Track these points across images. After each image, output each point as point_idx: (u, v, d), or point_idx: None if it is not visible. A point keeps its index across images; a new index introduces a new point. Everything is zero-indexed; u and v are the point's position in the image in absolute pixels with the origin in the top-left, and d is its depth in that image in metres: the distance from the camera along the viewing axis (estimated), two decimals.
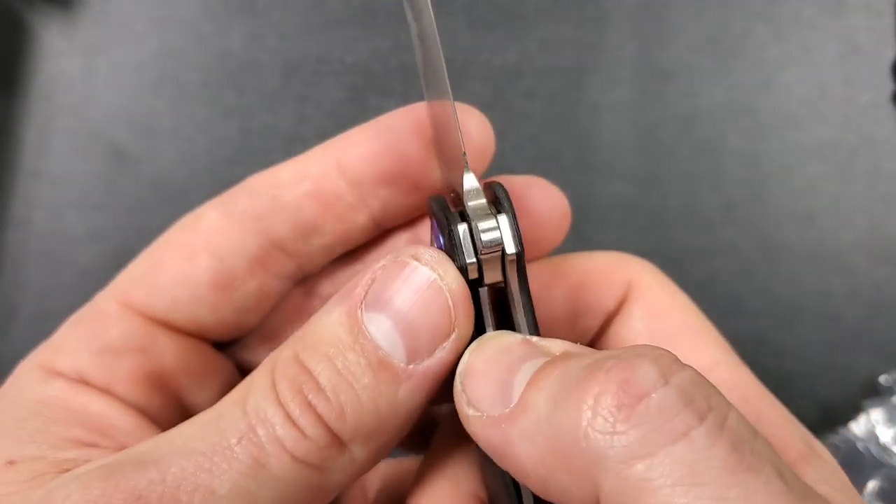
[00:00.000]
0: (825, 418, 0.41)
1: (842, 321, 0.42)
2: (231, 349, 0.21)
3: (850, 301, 0.42)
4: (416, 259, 0.16)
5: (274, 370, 0.16)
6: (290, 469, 0.15)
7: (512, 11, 0.45)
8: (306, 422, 0.15)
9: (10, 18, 0.45)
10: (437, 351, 0.16)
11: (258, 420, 0.15)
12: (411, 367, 0.16)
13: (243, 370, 0.21)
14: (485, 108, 0.44)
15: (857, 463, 0.39)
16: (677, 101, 0.44)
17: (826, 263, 0.43)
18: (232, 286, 0.19)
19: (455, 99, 0.19)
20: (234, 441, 0.15)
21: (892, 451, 0.39)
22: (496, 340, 0.17)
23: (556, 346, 0.16)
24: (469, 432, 0.16)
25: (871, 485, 0.39)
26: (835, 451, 0.39)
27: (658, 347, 0.15)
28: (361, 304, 0.16)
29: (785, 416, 0.20)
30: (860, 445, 0.39)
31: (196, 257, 0.20)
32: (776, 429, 0.19)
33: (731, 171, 0.43)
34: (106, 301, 0.20)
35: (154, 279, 0.20)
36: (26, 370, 0.20)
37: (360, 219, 0.20)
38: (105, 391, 0.19)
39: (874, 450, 0.39)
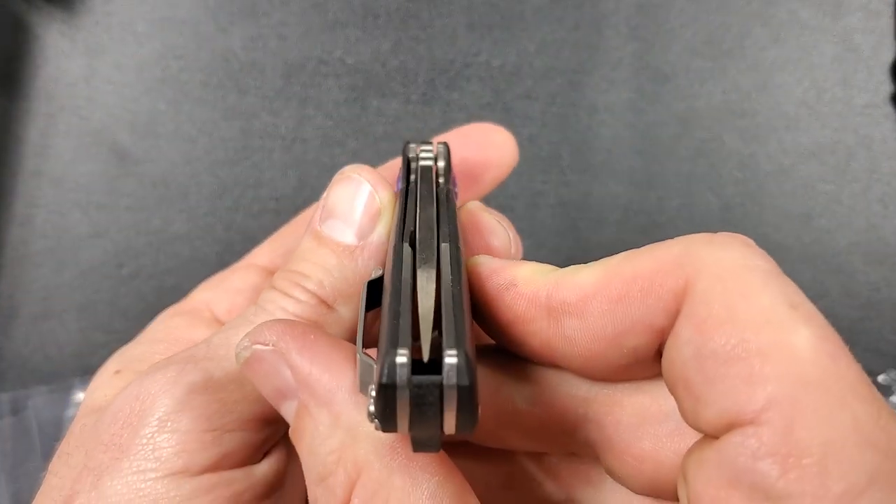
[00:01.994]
0: None
1: (839, 321, 0.42)
2: None
3: (847, 301, 0.42)
4: (345, 173, 0.23)
5: (273, 279, 0.22)
6: None
7: (511, 13, 0.45)
8: (297, 292, 0.21)
9: (12, 19, 0.45)
10: (376, 229, 0.22)
11: (265, 301, 0.21)
12: (361, 243, 0.22)
13: None
14: (484, 108, 0.44)
15: None
16: (675, 102, 0.44)
17: (823, 264, 0.43)
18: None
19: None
20: (252, 316, 0.21)
21: None
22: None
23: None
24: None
25: None
26: None
27: None
28: (318, 221, 0.22)
29: None
30: None
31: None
32: None
33: (728, 171, 0.43)
34: (235, 267, 0.29)
35: (282, 244, 0.30)
36: (168, 309, 0.27)
37: None
38: (221, 321, 0.25)
39: None
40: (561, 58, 0.44)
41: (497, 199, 0.43)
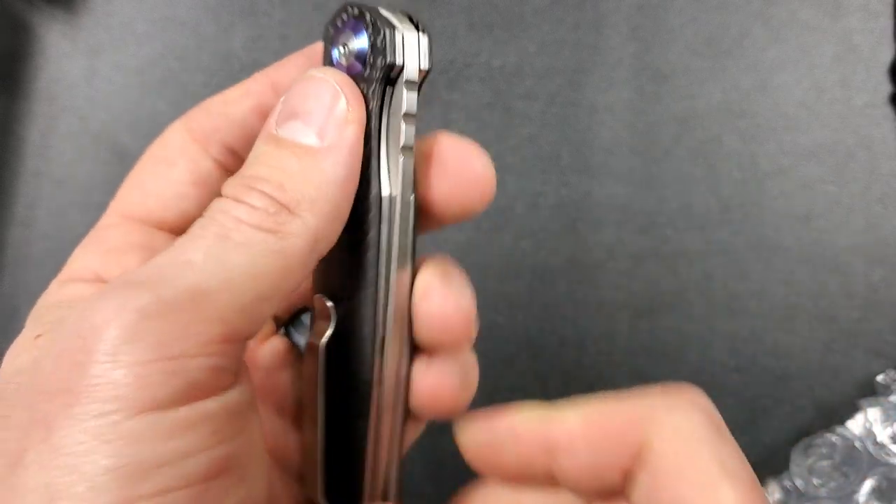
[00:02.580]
0: (822, 417, 0.42)
1: (838, 321, 0.42)
2: None
3: (847, 301, 0.42)
4: (310, 73, 0.21)
5: (223, 189, 0.20)
6: (250, 234, 0.18)
7: (511, 13, 0.45)
8: (252, 198, 0.19)
9: (12, 20, 0.45)
10: (343, 131, 0.20)
11: (215, 212, 0.19)
12: (325, 143, 0.20)
13: None
14: (484, 108, 0.44)
15: (855, 461, 0.39)
16: (675, 102, 0.44)
17: (823, 264, 0.43)
18: (207, 182, 0.23)
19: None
20: (199, 229, 0.19)
21: (889, 450, 0.39)
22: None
23: None
24: None
25: (868, 483, 0.39)
26: (832, 449, 0.40)
27: None
28: (275, 125, 0.20)
29: None
30: (857, 444, 0.39)
31: (175, 163, 0.23)
32: None
33: (727, 172, 0.43)
34: (107, 217, 0.23)
35: (144, 188, 0.23)
36: (49, 288, 0.22)
37: None
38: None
39: (871, 448, 0.39)
40: (561, 58, 0.45)
41: (497, 199, 0.43)
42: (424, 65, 0.22)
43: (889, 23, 0.45)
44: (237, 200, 0.19)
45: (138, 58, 0.45)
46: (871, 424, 0.40)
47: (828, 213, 0.43)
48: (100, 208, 0.43)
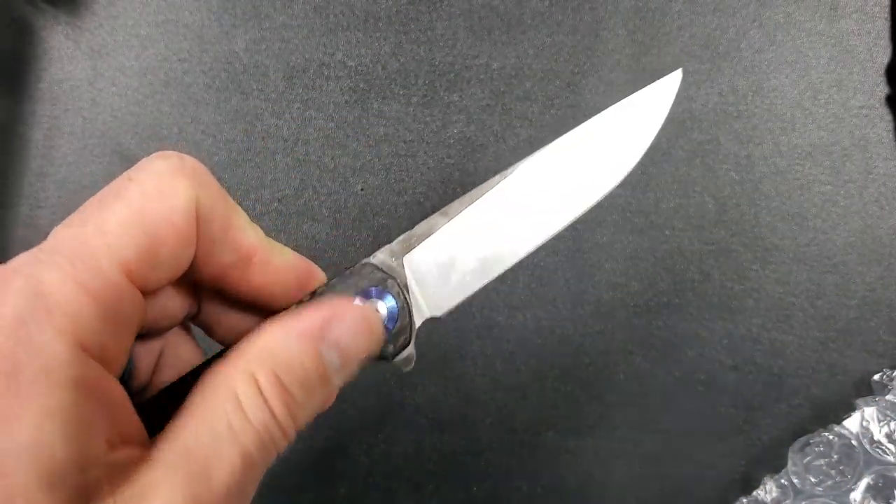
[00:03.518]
0: (819, 416, 0.42)
1: (835, 321, 0.42)
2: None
3: (843, 301, 0.43)
4: (354, 309, 0.23)
5: (253, 375, 0.21)
6: (255, 452, 0.20)
7: (510, 17, 0.45)
8: (288, 424, 0.21)
9: (16, 22, 0.45)
10: (349, 371, 0.22)
11: (256, 421, 0.20)
12: (345, 372, 0.22)
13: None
14: (483, 110, 0.45)
15: (851, 460, 0.39)
16: (672, 104, 0.44)
17: (819, 264, 0.43)
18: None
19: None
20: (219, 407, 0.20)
21: (885, 448, 0.39)
22: None
23: None
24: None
25: (865, 481, 0.39)
26: (829, 447, 0.40)
27: None
28: (322, 340, 0.22)
29: None
30: (854, 442, 0.39)
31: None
32: None
33: (724, 172, 0.44)
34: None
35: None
36: None
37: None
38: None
39: (868, 447, 0.39)
40: (559, 60, 0.45)
41: None
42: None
43: (885, 25, 0.45)
44: (275, 417, 0.21)
45: (141, 60, 0.45)
46: (867, 423, 0.40)
47: (824, 213, 0.43)
48: None
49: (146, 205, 0.20)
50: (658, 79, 0.32)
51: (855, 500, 0.39)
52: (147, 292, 0.21)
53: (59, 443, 0.17)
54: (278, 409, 0.20)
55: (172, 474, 0.18)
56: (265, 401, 0.20)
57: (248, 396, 0.20)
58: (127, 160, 0.44)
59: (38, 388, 0.17)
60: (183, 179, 0.22)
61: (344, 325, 0.22)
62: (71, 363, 0.18)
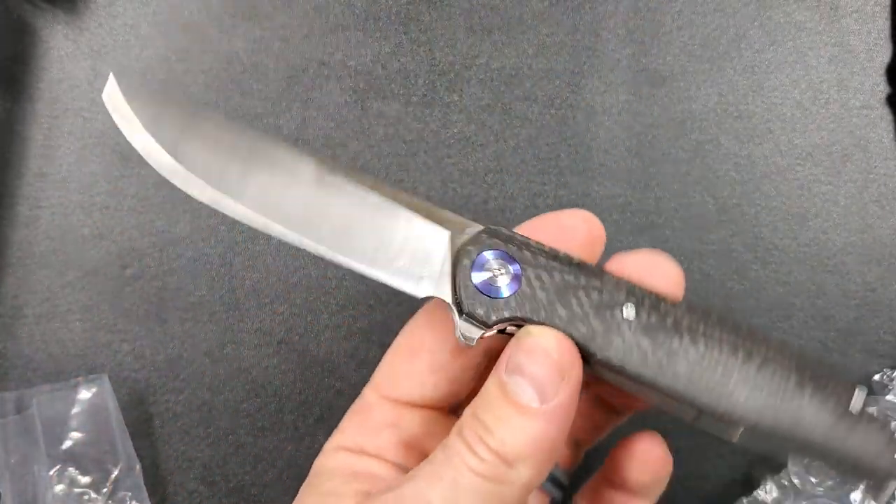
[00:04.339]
0: None
1: (835, 321, 0.43)
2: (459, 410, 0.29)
3: (843, 301, 0.43)
4: (532, 334, 0.25)
5: (461, 424, 0.24)
6: (477, 482, 0.23)
7: (510, 17, 0.45)
8: (480, 450, 0.23)
9: (15, 22, 0.45)
10: (558, 394, 0.24)
11: (453, 454, 0.24)
12: (544, 406, 0.24)
13: None
14: (483, 110, 0.45)
15: None
16: (672, 104, 0.44)
17: (819, 264, 0.43)
18: (443, 369, 0.28)
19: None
20: (439, 468, 0.24)
21: None
22: None
23: None
24: None
25: (865, 481, 0.39)
26: None
27: None
28: (504, 372, 0.24)
29: None
30: None
31: (417, 354, 0.28)
32: None
33: (724, 172, 0.44)
34: (369, 394, 0.29)
35: (395, 374, 0.28)
36: (324, 450, 0.28)
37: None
38: (377, 457, 0.27)
39: None
40: (559, 60, 0.45)
41: (496, 200, 0.44)
42: None
43: (885, 24, 0.45)
44: (470, 449, 0.24)
45: (141, 60, 0.45)
46: None
47: (824, 213, 0.43)
48: (102, 208, 0.44)
49: None
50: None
51: (855, 501, 0.39)
52: None
53: None
54: (472, 440, 0.24)
55: None
56: (462, 438, 0.24)
57: (452, 438, 0.24)
58: (127, 160, 0.44)
59: None
60: None
61: (519, 351, 0.24)
62: None
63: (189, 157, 0.25)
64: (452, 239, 0.26)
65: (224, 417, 0.42)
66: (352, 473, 0.27)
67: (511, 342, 0.25)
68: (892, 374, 0.41)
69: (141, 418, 0.42)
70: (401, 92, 0.45)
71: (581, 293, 0.25)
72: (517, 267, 0.25)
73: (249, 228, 0.43)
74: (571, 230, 0.27)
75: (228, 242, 0.43)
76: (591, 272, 0.25)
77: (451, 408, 0.29)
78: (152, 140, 0.25)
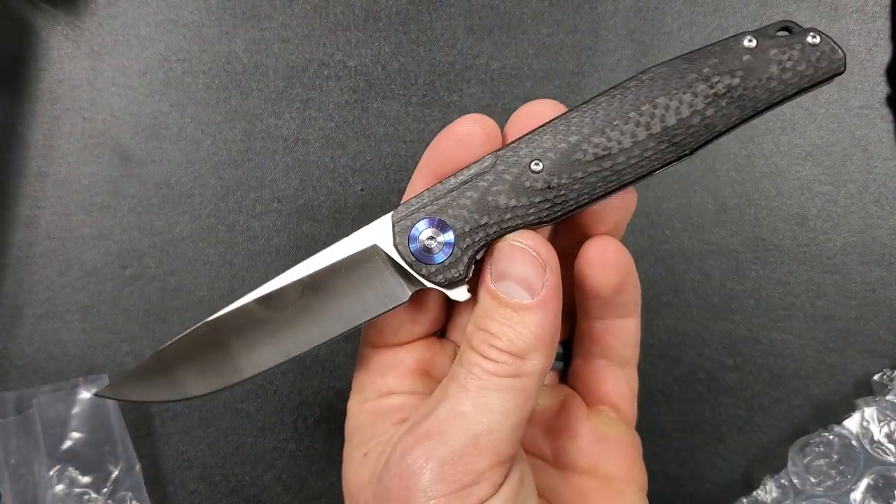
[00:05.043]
0: (819, 416, 0.42)
1: (835, 321, 0.43)
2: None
3: (843, 301, 0.43)
4: (507, 241, 0.27)
5: (468, 338, 0.27)
6: (500, 382, 0.26)
7: (510, 16, 0.45)
8: (493, 354, 0.26)
9: (16, 22, 0.45)
10: (544, 284, 0.26)
11: (471, 365, 0.26)
12: (536, 298, 0.26)
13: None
14: (483, 109, 0.45)
15: (851, 460, 0.39)
16: None
17: (819, 264, 0.43)
18: (420, 307, 0.30)
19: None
20: (464, 381, 0.26)
21: (885, 448, 0.39)
22: None
23: None
24: None
25: (865, 481, 0.39)
26: (829, 448, 0.40)
27: None
28: (491, 280, 0.27)
29: None
30: (854, 443, 0.40)
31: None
32: None
33: (724, 172, 0.44)
34: (364, 350, 0.31)
35: (376, 324, 0.30)
36: (349, 412, 0.31)
37: None
38: (395, 393, 0.30)
39: (868, 447, 0.40)
40: (559, 60, 0.45)
41: None
42: None
43: (885, 24, 0.45)
44: (484, 356, 0.26)
45: (141, 60, 0.45)
46: (867, 423, 0.40)
47: (824, 213, 0.43)
48: (102, 208, 0.44)
49: None
50: None
51: (855, 501, 0.39)
52: None
53: None
54: (483, 348, 0.26)
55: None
56: (472, 350, 0.26)
57: (464, 352, 0.27)
58: (127, 160, 0.44)
59: None
60: None
61: (501, 257, 0.27)
62: None
63: (185, 386, 0.29)
64: (380, 240, 0.28)
65: (224, 417, 0.42)
66: (381, 414, 0.29)
67: (487, 255, 0.27)
68: (892, 373, 0.41)
69: (141, 418, 0.42)
70: (401, 92, 0.45)
71: (496, 189, 0.27)
72: (437, 220, 0.28)
73: (249, 228, 0.44)
74: (468, 136, 0.29)
75: (228, 242, 0.43)
76: (487, 165, 0.28)
77: (438, 333, 0.32)
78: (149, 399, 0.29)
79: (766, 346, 0.42)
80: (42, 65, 0.45)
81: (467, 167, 0.28)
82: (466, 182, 0.28)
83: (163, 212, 0.44)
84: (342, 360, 0.43)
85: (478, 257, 0.28)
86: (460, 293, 0.28)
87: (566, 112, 0.28)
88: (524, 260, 0.26)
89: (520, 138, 0.28)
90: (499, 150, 0.28)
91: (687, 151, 0.27)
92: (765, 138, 0.44)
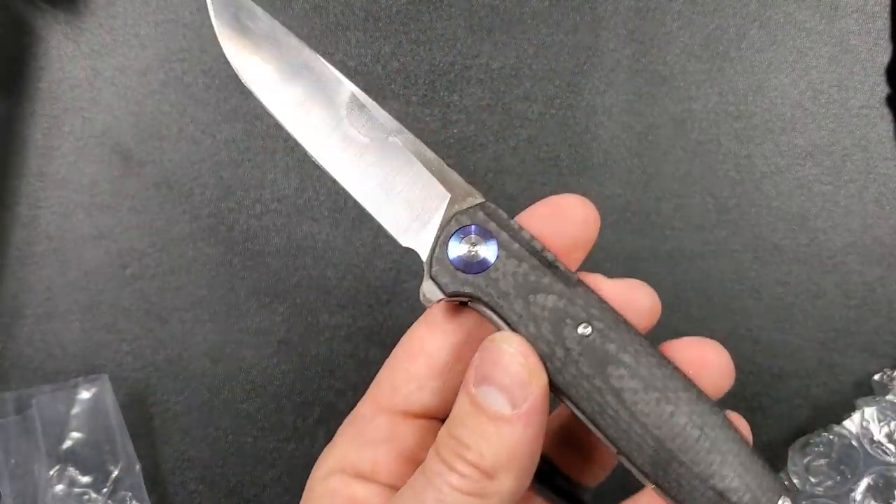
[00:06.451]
0: (819, 416, 0.42)
1: (835, 321, 0.43)
2: None
3: (843, 301, 0.43)
4: (494, 341, 0.24)
5: (438, 444, 0.24)
6: (461, 500, 0.23)
7: (510, 16, 0.45)
8: (460, 465, 0.23)
9: (16, 22, 0.45)
10: (528, 397, 0.23)
11: (433, 475, 0.23)
12: (516, 411, 0.23)
13: None
14: (483, 110, 0.45)
15: (852, 460, 0.39)
16: (672, 104, 0.44)
17: (819, 264, 0.43)
18: (443, 372, 0.27)
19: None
20: (421, 493, 0.23)
21: (885, 449, 0.40)
22: None
23: None
24: None
25: (865, 481, 0.39)
26: (829, 448, 0.40)
27: None
28: (472, 385, 0.24)
29: None
30: (854, 443, 0.40)
31: (415, 357, 0.27)
32: None
33: (724, 172, 0.44)
34: (364, 408, 0.28)
35: (390, 382, 0.27)
36: (318, 467, 0.27)
37: None
38: (370, 479, 0.26)
39: (868, 447, 0.40)
40: (559, 60, 0.45)
41: (496, 200, 0.44)
42: None
43: (885, 24, 0.45)
44: (449, 468, 0.23)
45: (141, 60, 0.45)
46: (867, 423, 0.40)
47: (824, 213, 0.43)
48: (102, 209, 0.44)
49: None
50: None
51: (855, 501, 0.39)
52: None
53: None
54: (450, 458, 0.23)
55: None
56: (440, 457, 0.24)
57: (430, 459, 0.24)
58: (127, 160, 0.44)
59: None
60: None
61: (483, 361, 0.24)
62: None
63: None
64: (451, 203, 0.26)
65: (224, 417, 0.42)
66: (346, 499, 0.26)
67: (475, 356, 0.24)
68: (892, 373, 0.41)
69: (141, 418, 0.42)
70: (401, 92, 0.45)
71: (543, 296, 0.24)
72: (495, 249, 0.25)
73: (249, 228, 0.44)
74: (566, 210, 0.27)
75: (228, 242, 0.43)
76: (565, 279, 0.25)
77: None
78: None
79: (766, 346, 0.42)
80: (42, 65, 0.45)
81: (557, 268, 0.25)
82: (544, 265, 0.25)
83: (162, 212, 0.44)
84: (342, 360, 0.43)
85: (469, 304, 0.25)
86: (433, 293, 0.25)
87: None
88: (509, 366, 0.24)
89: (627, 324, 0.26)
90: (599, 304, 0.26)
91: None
92: (765, 138, 0.44)
